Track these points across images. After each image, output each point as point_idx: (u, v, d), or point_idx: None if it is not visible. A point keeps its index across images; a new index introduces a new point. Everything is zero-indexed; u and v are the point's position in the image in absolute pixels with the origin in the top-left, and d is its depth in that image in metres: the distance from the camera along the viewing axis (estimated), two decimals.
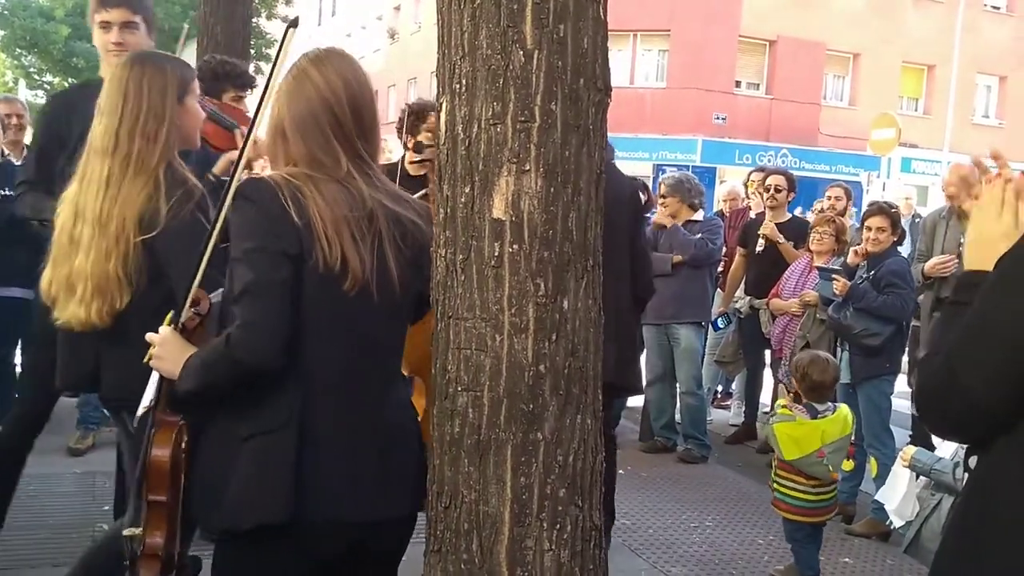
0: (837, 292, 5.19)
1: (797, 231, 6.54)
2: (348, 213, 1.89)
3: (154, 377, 2.06)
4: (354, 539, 1.94)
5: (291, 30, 2.08)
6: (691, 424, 6.33)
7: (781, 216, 6.63)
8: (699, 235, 6.19)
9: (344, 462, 1.90)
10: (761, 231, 6.51)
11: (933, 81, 27.29)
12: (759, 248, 6.53)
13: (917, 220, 7.68)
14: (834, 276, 5.29)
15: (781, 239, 6.42)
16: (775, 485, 4.11)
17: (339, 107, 1.95)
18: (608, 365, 2.18)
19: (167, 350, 1.99)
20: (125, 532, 2.09)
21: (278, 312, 1.82)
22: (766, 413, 5.64)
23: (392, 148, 6.97)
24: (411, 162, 4.02)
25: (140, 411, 2.08)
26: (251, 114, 2.10)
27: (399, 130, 4.43)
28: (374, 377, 1.98)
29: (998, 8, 27.94)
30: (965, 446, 1.52)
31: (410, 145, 4.14)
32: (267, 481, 1.84)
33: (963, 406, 1.38)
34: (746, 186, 7.86)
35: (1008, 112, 28.00)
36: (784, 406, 4.19)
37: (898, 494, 4.47)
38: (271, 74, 1.97)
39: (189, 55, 9.24)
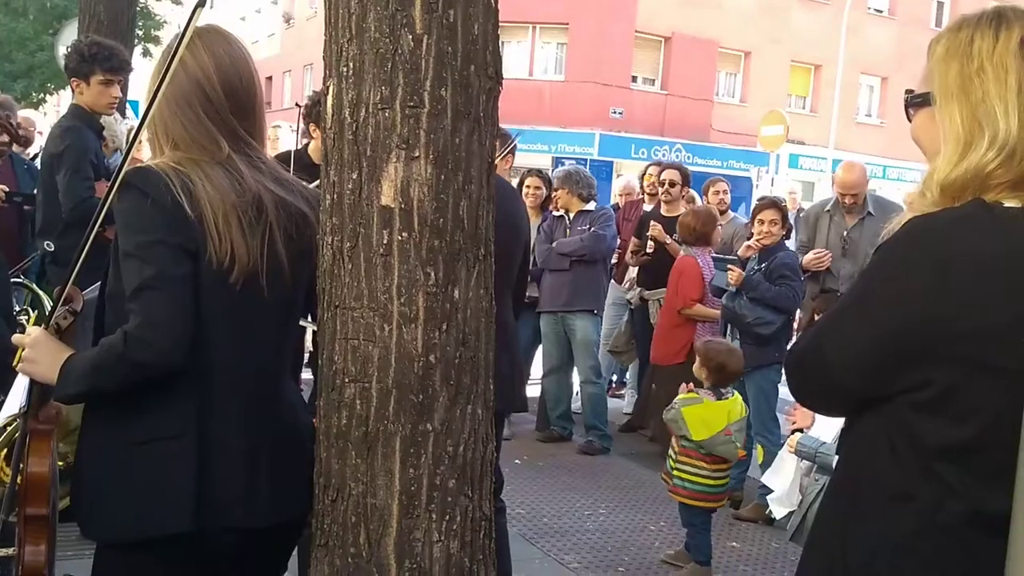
0: (731, 282, 5.32)
1: None
2: (236, 199, 1.82)
3: (22, 382, 1.92)
4: (248, 542, 1.88)
5: (198, 9, 1.97)
6: (593, 414, 6.41)
7: (676, 210, 6.75)
8: (589, 226, 6.28)
9: (242, 468, 1.84)
10: (649, 233, 6.61)
11: (820, 80, 28.27)
12: (649, 249, 6.64)
13: (801, 214, 7.93)
14: (729, 267, 5.42)
15: (668, 240, 6.54)
16: (675, 471, 4.20)
17: (209, 86, 1.88)
18: (501, 387, 2.15)
19: (40, 352, 1.83)
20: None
21: (181, 309, 1.72)
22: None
23: (279, 136, 6.83)
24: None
25: (2, 419, 1.95)
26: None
27: (305, 116, 4.35)
28: (268, 375, 1.93)
29: (881, 11, 29.10)
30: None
31: (315, 134, 4.06)
32: (167, 490, 1.76)
33: (825, 379, 1.43)
34: (642, 180, 7.98)
35: (889, 111, 29.22)
36: (690, 391, 4.29)
37: (784, 480, 4.62)
38: (172, 54, 1.84)
39: (70, 34, 8.86)
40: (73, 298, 1.94)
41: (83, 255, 1.87)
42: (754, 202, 6.32)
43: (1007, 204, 1.28)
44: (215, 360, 1.82)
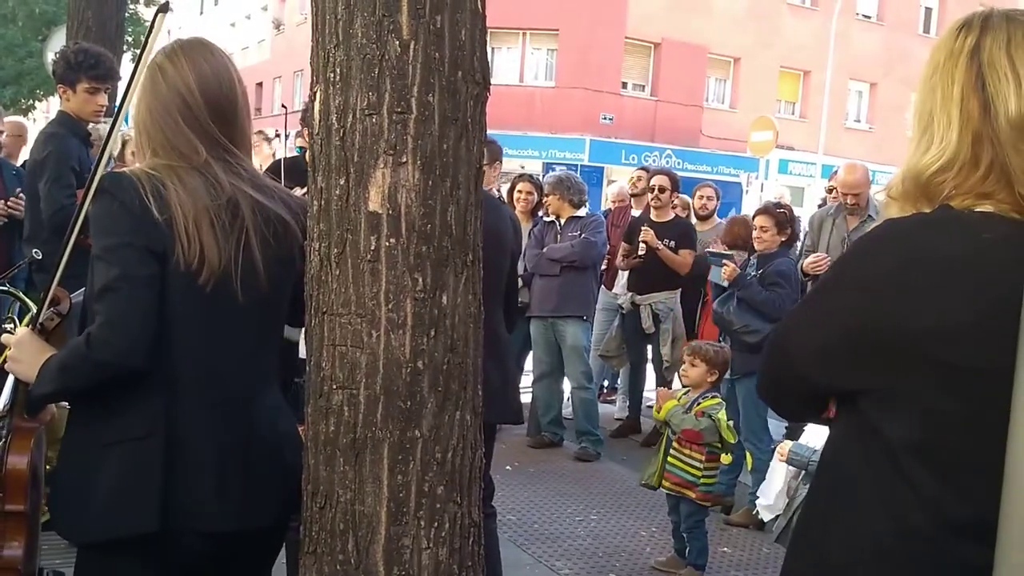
0: (724, 276, 5.31)
1: (680, 231, 6.66)
2: (208, 203, 1.83)
3: (9, 381, 1.95)
4: (219, 548, 1.88)
5: (160, 15, 2.00)
6: (585, 419, 6.41)
7: (665, 215, 6.74)
8: (580, 232, 6.28)
9: (211, 471, 1.84)
10: (641, 238, 6.58)
11: (809, 86, 28.38)
12: (640, 252, 6.61)
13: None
14: (724, 261, 5.41)
15: (660, 246, 6.52)
16: (670, 459, 4.24)
17: (191, 97, 1.90)
18: (491, 399, 2.15)
19: (23, 352, 1.87)
20: None
21: (142, 310, 1.74)
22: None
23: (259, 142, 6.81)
24: None
25: None
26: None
27: (301, 122, 4.36)
28: (242, 380, 1.92)
29: (869, 17, 29.25)
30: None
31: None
32: (134, 491, 1.77)
33: (787, 368, 1.45)
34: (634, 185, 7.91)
35: (878, 117, 29.37)
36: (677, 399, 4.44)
37: (774, 488, 4.64)
38: (139, 60, 1.90)
39: (59, 41, 8.83)
40: (60, 300, 1.96)
41: (64, 259, 1.91)
42: (744, 207, 6.34)
43: (978, 209, 1.28)
44: (184, 362, 1.83)
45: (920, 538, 1.26)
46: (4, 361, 1.90)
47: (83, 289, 1.90)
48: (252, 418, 1.93)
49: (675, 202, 6.95)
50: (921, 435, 1.26)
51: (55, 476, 1.89)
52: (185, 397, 1.83)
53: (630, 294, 6.79)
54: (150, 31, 1.96)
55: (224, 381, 1.89)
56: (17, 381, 1.93)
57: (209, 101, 1.91)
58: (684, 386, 4.58)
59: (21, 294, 2.56)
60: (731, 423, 5.20)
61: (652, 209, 6.79)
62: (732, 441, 4.37)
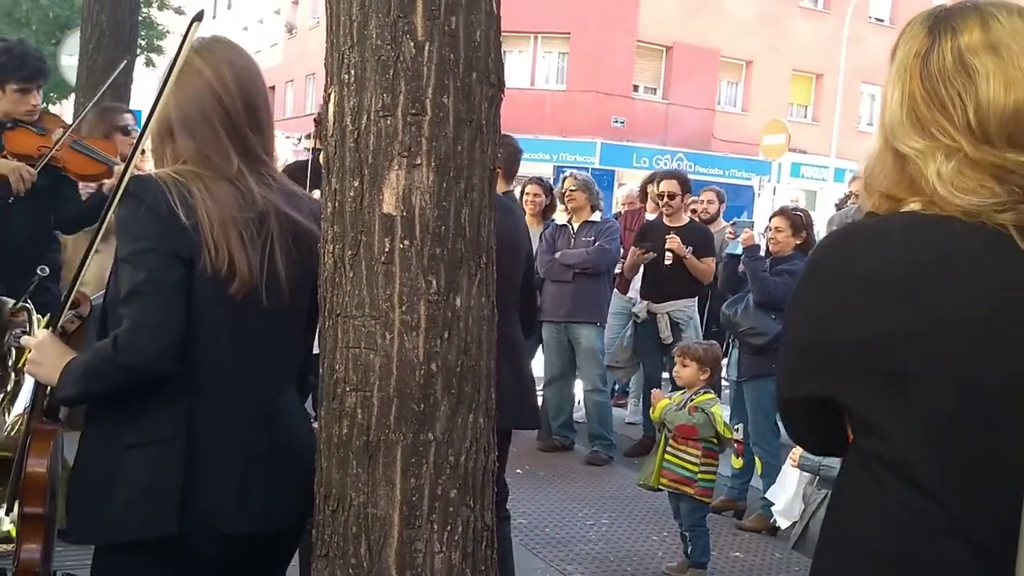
0: (741, 241, 5.29)
1: (699, 237, 6.47)
2: (237, 214, 1.82)
3: (28, 383, 1.94)
4: (238, 550, 1.88)
5: (195, 24, 1.95)
6: (599, 422, 6.36)
7: (678, 220, 6.55)
8: (594, 239, 6.23)
9: (233, 475, 1.84)
10: (667, 246, 6.37)
11: (821, 89, 28.29)
12: (667, 262, 6.38)
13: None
14: (746, 229, 5.38)
15: (687, 254, 6.32)
16: (667, 456, 4.23)
17: (229, 99, 1.87)
18: (506, 403, 2.14)
19: (44, 354, 1.86)
20: None
21: (169, 314, 1.73)
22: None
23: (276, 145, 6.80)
24: None
25: (12, 418, 1.97)
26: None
27: (316, 123, 4.35)
28: (265, 385, 1.93)
29: (882, 20, 29.13)
30: None
31: None
32: (156, 493, 1.77)
33: (780, 408, 1.44)
34: (644, 190, 7.72)
35: None
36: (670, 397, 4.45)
37: (787, 493, 4.63)
38: (170, 69, 1.83)
39: (72, 44, 8.87)
40: (80, 303, 1.96)
41: (88, 262, 1.88)
42: (756, 211, 6.31)
43: (912, 208, 1.26)
44: (208, 366, 1.82)
45: (913, 541, 1.23)
46: (23, 364, 1.90)
47: (102, 292, 1.89)
48: (272, 422, 1.93)
49: (689, 204, 6.76)
50: (883, 447, 1.24)
51: (73, 477, 1.88)
52: (209, 401, 1.83)
53: (645, 303, 6.60)
54: (183, 41, 1.86)
55: (248, 386, 1.89)
56: (37, 384, 1.92)
57: (247, 104, 1.89)
58: (679, 387, 4.58)
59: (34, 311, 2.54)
60: (740, 425, 5.22)
61: (664, 216, 6.59)
62: (728, 436, 4.38)
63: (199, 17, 1.88)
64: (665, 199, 6.50)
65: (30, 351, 1.88)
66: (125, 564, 1.84)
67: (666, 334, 6.40)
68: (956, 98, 1.23)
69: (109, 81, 4.75)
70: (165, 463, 1.78)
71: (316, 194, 2.35)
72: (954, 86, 1.24)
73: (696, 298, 6.54)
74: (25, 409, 1.98)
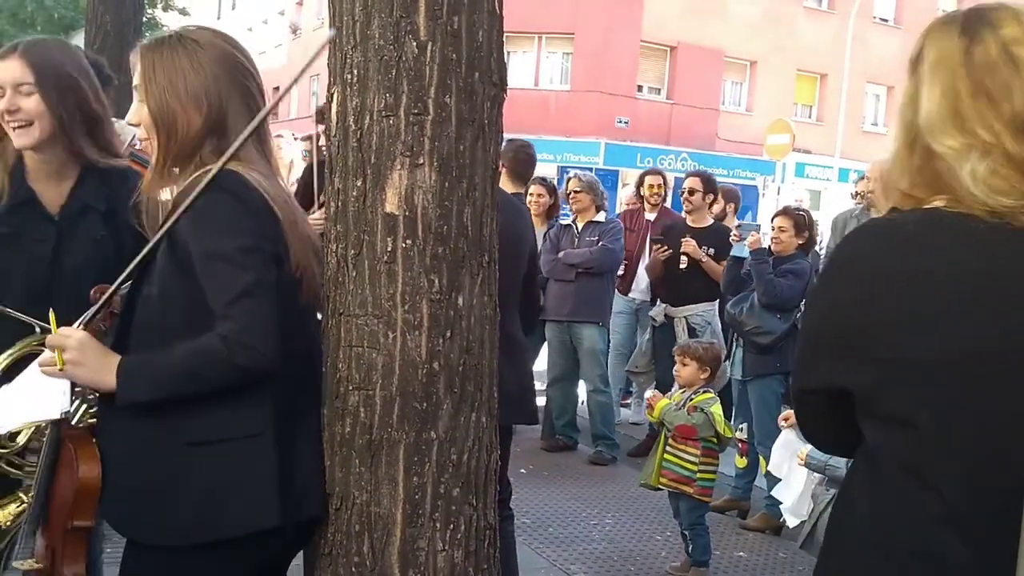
0: (747, 244, 5.27)
1: (720, 239, 6.13)
2: (298, 217, 1.84)
3: (61, 385, 1.82)
4: (297, 537, 1.92)
5: (329, 43, 1.88)
6: (602, 422, 6.33)
7: (701, 221, 6.37)
8: (598, 239, 6.21)
9: (307, 462, 1.87)
10: (683, 249, 6.22)
11: (826, 89, 28.23)
12: (683, 265, 6.24)
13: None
14: (752, 232, 5.37)
15: (704, 257, 6.16)
16: (666, 456, 4.24)
17: (253, 85, 1.88)
18: (507, 401, 2.15)
19: (87, 355, 1.75)
20: (18, 564, 1.88)
21: (276, 315, 1.71)
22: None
23: (283, 146, 6.79)
24: None
25: (43, 421, 1.89)
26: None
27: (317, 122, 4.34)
28: (314, 382, 1.95)
29: (887, 20, 29.08)
30: None
31: None
32: (252, 487, 1.75)
33: (795, 402, 1.46)
34: (639, 188, 7.43)
35: (895, 121, 29.15)
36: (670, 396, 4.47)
37: (794, 492, 4.62)
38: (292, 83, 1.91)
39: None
40: (112, 301, 1.88)
41: (138, 258, 1.80)
42: (760, 211, 6.28)
43: (935, 205, 1.27)
44: (289, 363, 1.78)
45: (914, 537, 1.24)
46: (48, 365, 1.77)
47: (129, 283, 1.83)
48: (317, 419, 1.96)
49: (711, 205, 6.56)
50: (881, 437, 1.26)
51: (116, 477, 1.80)
52: (291, 396, 1.83)
53: (663, 306, 6.48)
54: (316, 55, 1.81)
55: (306, 382, 1.91)
56: (73, 385, 1.82)
57: (262, 93, 1.90)
58: (679, 387, 4.57)
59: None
60: (744, 425, 5.21)
61: (687, 214, 6.45)
62: (728, 436, 4.38)
63: (334, 36, 1.86)
64: (685, 194, 6.38)
65: (64, 351, 1.75)
66: (180, 563, 1.77)
67: (683, 339, 6.25)
68: (1003, 88, 1.24)
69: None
70: (259, 457, 1.76)
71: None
72: (1002, 76, 1.25)
73: (716, 302, 6.32)
74: (63, 414, 1.83)
